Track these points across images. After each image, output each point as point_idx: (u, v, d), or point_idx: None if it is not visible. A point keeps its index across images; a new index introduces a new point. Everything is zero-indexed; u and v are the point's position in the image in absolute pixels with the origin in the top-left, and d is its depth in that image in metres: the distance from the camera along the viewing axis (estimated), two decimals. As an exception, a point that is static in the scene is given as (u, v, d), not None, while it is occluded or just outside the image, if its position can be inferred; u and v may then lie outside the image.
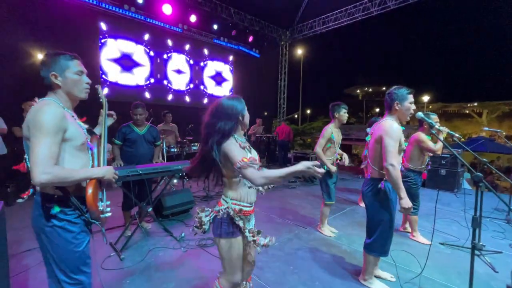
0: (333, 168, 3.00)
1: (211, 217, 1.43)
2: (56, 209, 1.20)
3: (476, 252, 1.53)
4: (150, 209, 2.93)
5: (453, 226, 3.59)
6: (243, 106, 1.45)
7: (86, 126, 1.40)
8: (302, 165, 1.15)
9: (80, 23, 5.62)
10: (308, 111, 36.26)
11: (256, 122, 8.46)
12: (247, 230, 1.39)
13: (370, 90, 39.39)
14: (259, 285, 2.15)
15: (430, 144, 2.89)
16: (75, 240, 1.25)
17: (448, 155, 5.29)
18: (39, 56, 5.18)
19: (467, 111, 32.40)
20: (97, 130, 1.61)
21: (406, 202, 1.83)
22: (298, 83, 14.81)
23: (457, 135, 2.51)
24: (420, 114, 2.00)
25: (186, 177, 5.41)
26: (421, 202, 3.15)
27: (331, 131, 3.00)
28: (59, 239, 1.21)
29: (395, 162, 1.80)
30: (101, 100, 1.64)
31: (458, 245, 2.92)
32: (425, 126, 2.96)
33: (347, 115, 3.05)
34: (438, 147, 2.87)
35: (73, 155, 1.24)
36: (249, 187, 1.44)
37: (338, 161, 3.16)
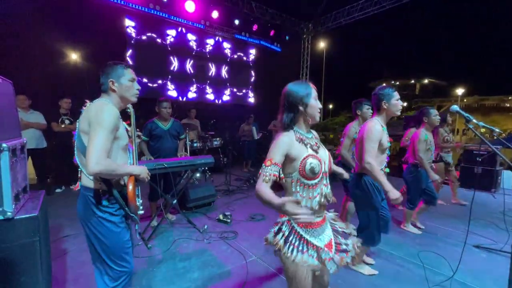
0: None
1: (276, 231, 1.23)
2: (105, 202, 1.32)
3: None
4: (175, 201, 3.03)
5: (490, 228, 3.34)
6: (306, 92, 1.22)
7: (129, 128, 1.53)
8: (282, 203, 0.95)
9: (109, 22, 5.89)
10: (330, 106, 35.34)
11: (278, 118, 8.39)
12: (310, 247, 1.17)
13: (397, 83, 37.42)
14: (282, 280, 2.16)
15: (419, 146, 2.86)
16: (118, 229, 1.36)
17: (486, 152, 4.91)
18: (73, 55, 5.53)
19: (508, 105, 29.76)
20: None
21: (393, 194, 1.86)
22: (320, 77, 14.45)
23: (497, 130, 2.33)
24: (455, 107, 1.88)
25: (208, 171, 5.54)
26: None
27: (355, 130, 2.86)
28: (105, 229, 1.33)
29: (371, 160, 1.94)
30: (128, 110, 1.65)
31: (496, 249, 2.72)
32: (425, 121, 2.93)
33: (371, 111, 2.89)
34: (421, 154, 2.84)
35: (117, 153, 1.36)
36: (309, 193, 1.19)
37: None
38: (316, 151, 1.23)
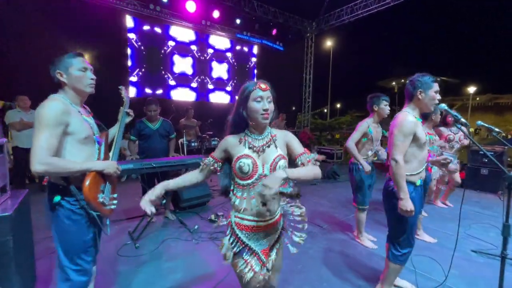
0: (367, 167, 2.65)
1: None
2: (57, 198, 1.28)
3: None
4: (164, 201, 3.03)
5: (492, 232, 3.19)
6: (246, 93, 1.14)
7: (97, 122, 1.49)
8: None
9: (110, 23, 5.97)
10: (338, 105, 34.96)
11: (279, 117, 8.32)
12: (248, 252, 1.17)
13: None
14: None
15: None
16: (78, 228, 1.31)
17: (493, 153, 4.72)
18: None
19: (524, 103, 28.71)
20: (115, 127, 1.72)
21: (404, 204, 1.64)
22: (326, 76, 14.30)
23: (497, 129, 2.22)
24: (443, 106, 1.78)
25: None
26: (456, 204, 2.85)
27: (368, 125, 2.69)
28: (63, 226, 1.29)
29: (399, 158, 1.67)
30: (123, 99, 1.77)
31: (494, 254, 2.59)
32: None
33: (388, 108, 2.69)
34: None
35: (76, 148, 1.31)
36: (242, 195, 1.16)
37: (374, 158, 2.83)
38: (256, 152, 1.16)
